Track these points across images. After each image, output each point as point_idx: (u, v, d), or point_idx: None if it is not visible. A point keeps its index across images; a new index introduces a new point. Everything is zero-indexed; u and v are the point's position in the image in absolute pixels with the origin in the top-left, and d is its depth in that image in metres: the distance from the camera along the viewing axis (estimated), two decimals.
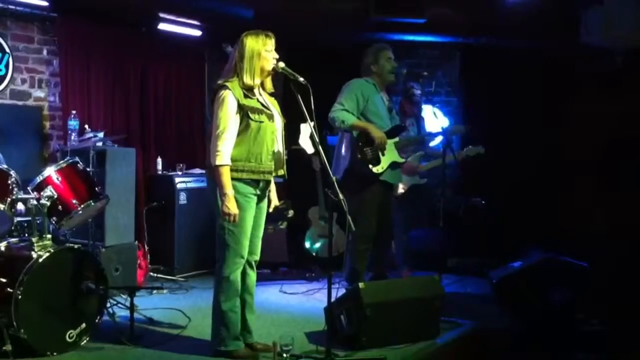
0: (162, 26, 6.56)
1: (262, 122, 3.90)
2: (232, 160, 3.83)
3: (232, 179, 3.83)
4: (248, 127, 3.85)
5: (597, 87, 6.75)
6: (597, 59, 6.51)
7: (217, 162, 3.79)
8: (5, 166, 4.35)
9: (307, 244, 6.87)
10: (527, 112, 7.30)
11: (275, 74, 4.04)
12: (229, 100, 3.82)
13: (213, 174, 3.86)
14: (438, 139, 7.22)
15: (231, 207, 3.80)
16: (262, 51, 3.91)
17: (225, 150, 3.80)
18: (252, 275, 4.16)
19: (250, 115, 3.85)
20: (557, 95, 7.23)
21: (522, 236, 6.54)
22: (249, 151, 3.88)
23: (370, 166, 5.09)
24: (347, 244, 5.25)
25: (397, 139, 5.26)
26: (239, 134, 3.86)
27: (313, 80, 3.87)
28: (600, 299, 5.23)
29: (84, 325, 4.15)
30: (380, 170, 5.12)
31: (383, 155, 5.13)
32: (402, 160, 5.30)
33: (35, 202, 4.22)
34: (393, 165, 5.21)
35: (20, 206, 4.57)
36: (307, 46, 7.03)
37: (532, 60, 7.17)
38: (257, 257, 4.17)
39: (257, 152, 3.90)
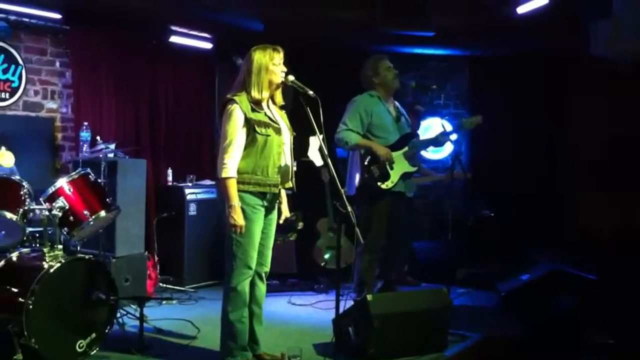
0: (174, 39, 6.62)
1: (269, 135, 3.93)
2: (239, 172, 3.87)
3: (239, 191, 3.86)
4: (255, 141, 3.89)
5: (605, 97, 6.76)
6: (605, 69, 6.52)
7: (224, 175, 3.84)
8: (18, 177, 4.41)
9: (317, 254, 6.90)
10: (535, 124, 7.31)
11: (285, 87, 4.08)
12: (237, 113, 3.87)
13: (220, 186, 3.90)
14: (447, 151, 7.25)
15: (237, 218, 3.83)
16: (269, 65, 3.95)
17: (231, 163, 3.84)
18: (262, 287, 4.18)
19: (257, 128, 3.89)
20: (566, 108, 7.24)
21: (530, 247, 6.54)
22: (256, 164, 3.91)
23: (379, 184, 5.11)
24: (356, 255, 5.26)
25: (406, 149, 5.27)
26: (245, 147, 3.90)
27: (322, 91, 3.90)
28: (608, 305, 5.22)
29: (94, 335, 4.18)
30: (390, 185, 5.13)
31: (392, 169, 5.15)
32: (414, 169, 5.29)
33: (47, 213, 4.26)
34: (404, 176, 5.21)
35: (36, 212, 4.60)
36: (317, 56, 7.06)
37: (540, 72, 7.19)
38: (267, 269, 4.19)
39: (264, 165, 3.93)
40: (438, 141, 5.50)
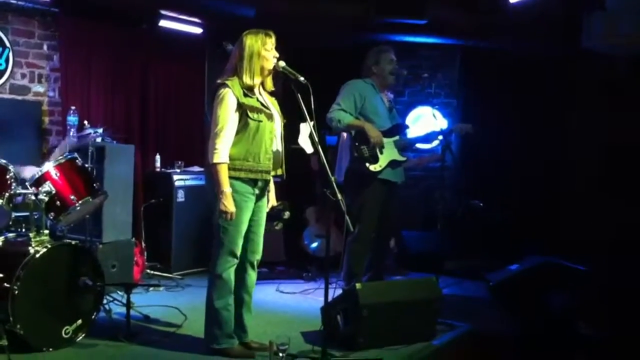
0: (164, 23, 6.55)
1: (261, 121, 3.90)
2: (231, 158, 3.83)
3: (230, 177, 3.83)
4: (247, 126, 3.85)
5: (599, 91, 6.75)
6: (600, 64, 6.51)
7: (215, 160, 3.79)
8: (3, 161, 4.33)
9: (305, 242, 6.88)
10: (526, 115, 7.31)
11: (276, 72, 4.03)
12: (229, 98, 3.82)
13: (211, 171, 3.86)
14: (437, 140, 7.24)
15: (228, 205, 3.80)
16: (261, 50, 3.91)
17: (223, 148, 3.80)
18: (253, 275, 4.16)
19: (249, 114, 3.85)
20: (557, 98, 7.23)
21: (520, 239, 6.54)
22: (248, 150, 3.87)
23: (367, 164, 5.08)
24: (345, 243, 5.24)
25: (396, 138, 5.24)
26: (237, 133, 3.86)
27: (313, 80, 3.87)
28: (601, 302, 5.23)
29: (80, 321, 4.14)
30: (378, 169, 5.10)
31: (381, 153, 5.12)
32: (403, 159, 5.27)
33: (33, 198, 4.21)
34: (393, 164, 5.19)
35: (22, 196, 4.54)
36: (308, 46, 7.02)
37: (532, 63, 7.18)
38: (258, 257, 4.16)
39: (256, 152, 3.90)
40: (428, 139, 5.49)
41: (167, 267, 6.32)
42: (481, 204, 6.76)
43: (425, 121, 7.54)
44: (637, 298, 5.21)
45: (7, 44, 5.83)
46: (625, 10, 5.80)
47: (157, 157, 6.66)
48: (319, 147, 3.88)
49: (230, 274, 3.98)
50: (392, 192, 5.26)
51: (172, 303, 5.22)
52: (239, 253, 3.98)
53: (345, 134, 5.72)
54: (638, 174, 6.28)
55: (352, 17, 6.55)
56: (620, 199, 6.31)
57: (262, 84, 4.05)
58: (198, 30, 6.85)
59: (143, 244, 6.14)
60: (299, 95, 3.86)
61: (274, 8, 6.34)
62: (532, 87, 7.24)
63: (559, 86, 7.15)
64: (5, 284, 3.83)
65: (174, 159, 6.68)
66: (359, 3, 6.38)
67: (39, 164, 4.60)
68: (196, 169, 6.65)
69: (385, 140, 5.13)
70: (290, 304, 5.57)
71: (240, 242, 3.97)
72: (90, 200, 4.53)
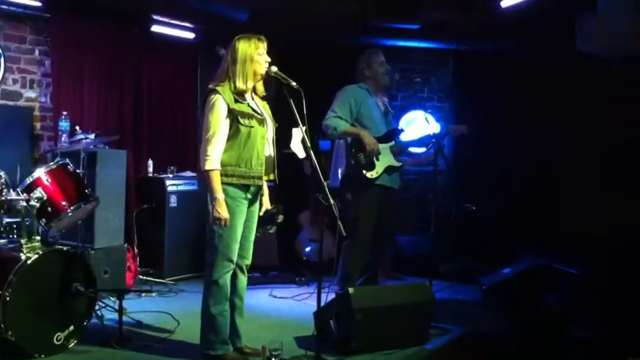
0: (156, 28, 6.54)
1: (253, 127, 3.89)
2: (222, 165, 3.83)
3: (223, 183, 3.82)
4: (238, 132, 3.85)
5: (594, 93, 6.76)
6: (594, 65, 6.52)
7: (207, 167, 3.79)
8: None
9: (299, 247, 6.88)
10: (520, 117, 7.32)
11: (268, 77, 4.04)
12: (220, 104, 3.82)
13: (203, 178, 3.85)
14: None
15: (222, 211, 3.79)
16: (254, 55, 3.91)
17: (214, 155, 3.80)
18: (243, 279, 4.15)
19: (240, 120, 3.85)
20: (552, 100, 7.24)
21: (513, 241, 6.55)
22: (239, 156, 3.87)
23: (364, 171, 5.09)
24: (342, 248, 5.24)
25: (392, 143, 5.25)
26: (229, 139, 3.86)
27: (306, 83, 3.87)
28: (595, 302, 5.23)
29: (72, 327, 4.13)
30: (375, 175, 5.11)
31: (377, 160, 5.13)
32: (399, 164, 5.28)
33: (24, 204, 4.19)
34: (389, 170, 5.20)
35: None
36: (301, 50, 7.01)
37: (525, 66, 7.19)
38: (248, 262, 4.16)
39: (247, 157, 3.89)
40: (422, 143, 5.48)
41: (159, 273, 6.30)
42: (474, 208, 6.77)
43: (418, 125, 7.54)
44: (629, 298, 5.21)
45: None
46: (616, 12, 5.80)
47: (150, 162, 6.65)
48: (311, 151, 3.88)
49: (227, 280, 3.97)
50: (389, 196, 5.27)
51: (165, 309, 5.20)
52: (234, 258, 3.98)
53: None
54: (635, 174, 6.28)
55: (346, 21, 6.54)
56: (616, 200, 6.31)
57: (254, 88, 4.06)
58: (190, 35, 6.85)
59: (135, 250, 6.11)
60: (291, 100, 3.86)
61: (267, 11, 6.33)
62: (525, 90, 7.25)
63: (553, 88, 7.16)
64: None
65: (166, 163, 6.66)
66: (354, 5, 6.37)
67: (30, 170, 4.58)
68: (188, 174, 6.63)
69: (381, 146, 5.14)
70: (283, 308, 5.55)
71: (236, 247, 3.97)
72: (82, 205, 4.53)
